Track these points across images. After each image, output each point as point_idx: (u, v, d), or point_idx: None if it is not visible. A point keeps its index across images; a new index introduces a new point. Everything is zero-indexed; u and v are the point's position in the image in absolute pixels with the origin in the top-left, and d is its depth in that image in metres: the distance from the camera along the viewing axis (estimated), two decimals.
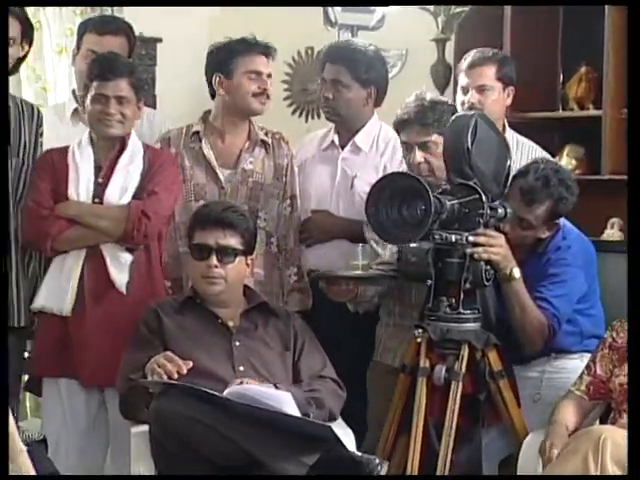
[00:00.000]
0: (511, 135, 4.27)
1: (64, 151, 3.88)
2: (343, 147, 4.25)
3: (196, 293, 3.63)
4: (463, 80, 4.22)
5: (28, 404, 4.98)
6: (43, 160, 3.90)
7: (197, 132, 4.14)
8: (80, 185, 3.81)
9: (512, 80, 4.23)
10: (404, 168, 3.90)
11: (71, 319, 3.80)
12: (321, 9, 4.82)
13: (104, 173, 3.84)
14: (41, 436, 2.85)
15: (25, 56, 4.01)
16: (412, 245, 3.53)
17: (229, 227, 3.57)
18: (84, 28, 4.31)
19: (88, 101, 3.82)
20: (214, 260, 3.54)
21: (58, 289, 3.80)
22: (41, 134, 4.03)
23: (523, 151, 4.22)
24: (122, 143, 3.88)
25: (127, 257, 3.82)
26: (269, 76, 4.09)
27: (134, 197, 3.81)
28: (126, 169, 3.84)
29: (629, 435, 3.06)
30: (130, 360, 3.48)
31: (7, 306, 3.86)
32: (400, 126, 3.80)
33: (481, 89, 4.17)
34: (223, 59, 4.09)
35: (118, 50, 4.16)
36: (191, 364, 3.33)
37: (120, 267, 3.80)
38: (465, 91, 4.21)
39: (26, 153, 3.96)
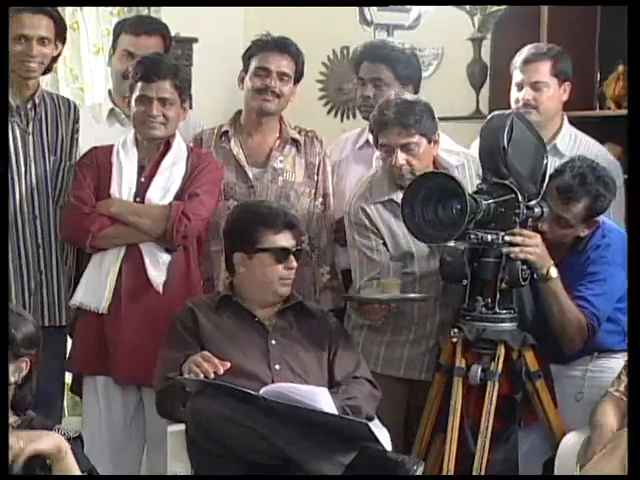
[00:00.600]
0: (570, 131, 4.23)
1: (109, 150, 3.90)
2: None
3: (233, 292, 3.64)
4: (517, 76, 4.17)
5: (66, 403, 5.01)
6: (88, 158, 3.92)
7: (226, 132, 4.16)
8: (123, 184, 3.83)
9: (568, 76, 4.18)
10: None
11: (107, 316, 3.81)
12: (357, 8, 4.81)
13: (147, 173, 3.86)
14: (77, 433, 2.86)
15: (58, 55, 4.04)
16: (447, 245, 3.54)
17: (295, 228, 3.61)
18: (120, 29, 4.34)
19: (132, 102, 3.84)
20: (294, 262, 3.56)
21: (96, 286, 3.82)
22: (77, 130, 4.06)
23: (581, 147, 4.18)
24: (167, 144, 3.90)
25: (165, 257, 3.83)
26: (283, 74, 4.10)
27: (175, 198, 3.83)
28: (169, 170, 3.86)
29: (629, 435, 3.03)
30: (167, 359, 3.48)
31: (42, 305, 3.92)
32: (379, 128, 3.78)
33: (536, 85, 4.12)
34: (245, 57, 4.15)
35: (153, 50, 4.17)
36: (229, 365, 3.33)
37: (158, 266, 3.82)
38: (520, 87, 4.15)
39: (63, 150, 3.99)
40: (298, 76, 4.15)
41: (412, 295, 3.73)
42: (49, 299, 3.95)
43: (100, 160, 3.88)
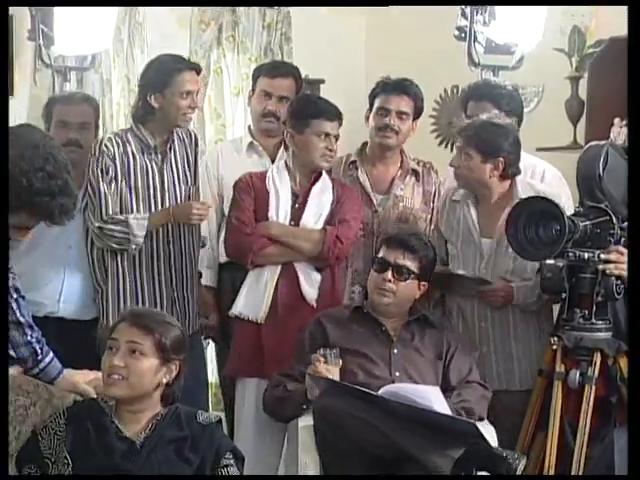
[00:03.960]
0: None
1: (263, 175, 3.97)
2: None
3: (364, 303, 3.66)
4: None
5: (210, 399, 5.08)
6: (244, 182, 3.97)
7: (354, 161, 4.19)
8: (280, 209, 3.89)
9: None
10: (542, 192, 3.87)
11: (264, 326, 3.86)
12: (465, 52, 4.80)
13: (300, 200, 3.92)
14: (217, 418, 2.90)
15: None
16: (548, 262, 3.51)
17: (410, 250, 3.58)
18: (258, 73, 4.39)
19: (315, 138, 3.87)
20: (389, 275, 3.55)
21: (254, 299, 3.87)
22: (197, 154, 4.11)
23: None
24: (317, 175, 3.96)
25: (316, 275, 3.89)
26: (402, 113, 4.11)
27: (326, 223, 3.90)
28: (319, 198, 3.92)
29: (629, 435, 2.94)
30: (289, 367, 3.58)
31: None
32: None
33: None
34: (370, 97, 4.18)
35: (287, 91, 4.26)
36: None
37: (311, 283, 3.88)
38: None
39: (191, 176, 4.04)
40: (417, 113, 4.16)
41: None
42: (181, 313, 3.99)
43: (257, 185, 3.94)
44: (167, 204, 3.94)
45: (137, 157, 3.91)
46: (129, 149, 3.90)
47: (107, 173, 3.85)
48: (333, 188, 3.96)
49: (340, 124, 3.92)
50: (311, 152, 3.90)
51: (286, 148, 4.03)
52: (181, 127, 3.98)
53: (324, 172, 3.97)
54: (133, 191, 3.90)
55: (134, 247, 3.86)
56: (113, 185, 3.86)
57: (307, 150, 3.90)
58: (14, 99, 4.76)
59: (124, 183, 3.89)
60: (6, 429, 2.61)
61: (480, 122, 3.79)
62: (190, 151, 4.06)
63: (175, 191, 3.97)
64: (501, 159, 3.75)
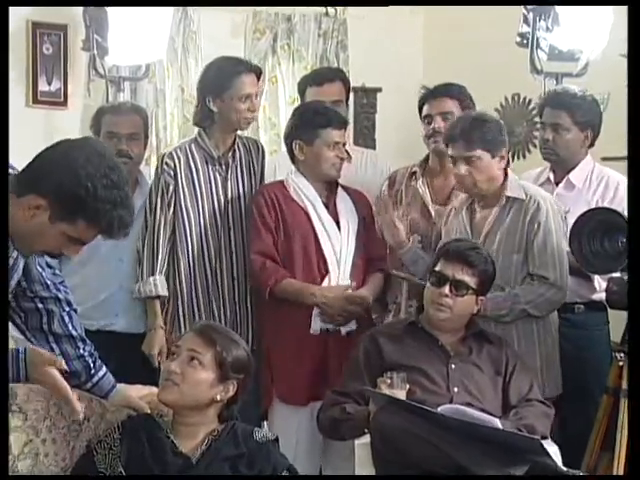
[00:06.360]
0: None
1: (281, 187, 4.02)
2: (557, 184, 4.17)
3: (418, 318, 3.64)
4: None
5: None
6: (264, 200, 3.98)
7: (415, 172, 4.18)
8: (325, 224, 3.95)
9: None
10: (615, 205, 3.82)
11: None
12: (528, 59, 4.78)
13: (331, 210, 3.98)
14: (274, 436, 2.89)
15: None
16: (614, 275, 3.47)
17: (469, 265, 3.52)
18: (304, 85, 4.43)
19: (323, 147, 3.94)
20: (446, 290, 3.50)
21: None
22: (264, 165, 4.16)
23: None
24: (335, 185, 4.02)
25: None
26: (445, 114, 4.09)
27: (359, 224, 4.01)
28: (347, 214, 3.99)
29: (629, 435, 2.89)
30: (344, 386, 3.56)
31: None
32: (448, 141, 3.80)
33: None
34: (419, 107, 4.18)
35: (338, 94, 4.30)
36: None
37: None
38: None
39: (255, 188, 4.08)
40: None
41: None
42: (241, 327, 4.02)
43: (280, 199, 3.96)
44: (230, 215, 4.00)
45: (200, 168, 3.97)
46: (191, 161, 3.97)
47: (167, 192, 3.93)
48: (350, 196, 4.03)
49: (346, 131, 3.96)
50: (322, 163, 3.94)
51: (293, 159, 4.04)
52: (242, 130, 4.04)
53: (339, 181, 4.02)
54: (197, 202, 3.96)
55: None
56: (171, 209, 3.95)
57: (318, 161, 3.94)
58: (68, 110, 4.83)
59: (187, 194, 3.94)
60: (6, 428, 2.54)
61: (470, 119, 3.79)
62: (257, 162, 4.11)
63: (239, 201, 4.02)
64: (504, 150, 3.78)
